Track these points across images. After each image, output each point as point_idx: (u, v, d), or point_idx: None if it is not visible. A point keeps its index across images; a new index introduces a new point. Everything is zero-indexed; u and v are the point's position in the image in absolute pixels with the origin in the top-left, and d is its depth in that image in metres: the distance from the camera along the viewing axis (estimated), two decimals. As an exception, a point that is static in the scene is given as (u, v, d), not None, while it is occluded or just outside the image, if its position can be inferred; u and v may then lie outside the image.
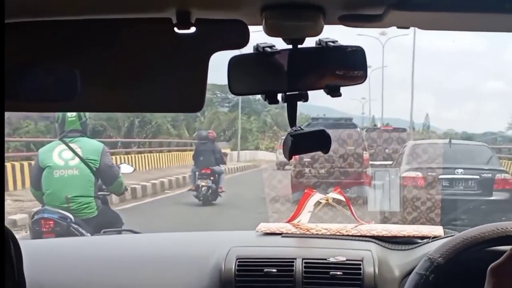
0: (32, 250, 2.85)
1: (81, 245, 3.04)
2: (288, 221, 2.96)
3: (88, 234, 6.28)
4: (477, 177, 12.24)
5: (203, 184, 17.65)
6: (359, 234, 2.73)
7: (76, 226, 6.36)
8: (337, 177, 16.39)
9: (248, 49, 1.51)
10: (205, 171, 17.76)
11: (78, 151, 6.55)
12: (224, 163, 19.01)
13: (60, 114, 6.79)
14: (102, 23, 1.51)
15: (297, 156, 18.53)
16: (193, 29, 1.49)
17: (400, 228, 2.79)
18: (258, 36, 1.53)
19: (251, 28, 1.52)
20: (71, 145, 6.57)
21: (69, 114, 6.60)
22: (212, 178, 17.67)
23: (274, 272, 2.48)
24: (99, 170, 6.57)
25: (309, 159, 16.77)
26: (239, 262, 2.52)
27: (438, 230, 2.72)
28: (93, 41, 1.53)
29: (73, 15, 1.51)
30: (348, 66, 1.52)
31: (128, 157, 23.97)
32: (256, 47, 1.49)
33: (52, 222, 6.33)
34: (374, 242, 2.66)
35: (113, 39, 1.53)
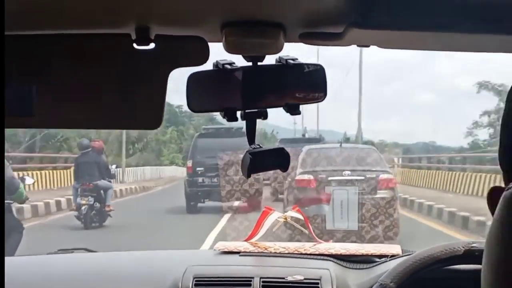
0: None
1: (35, 263, 2.99)
2: (246, 240, 2.95)
3: None
4: (363, 178, 13.08)
5: (83, 202, 15.18)
6: (317, 252, 2.73)
7: None
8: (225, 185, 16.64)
9: (208, 65, 1.50)
10: (86, 187, 15.42)
11: None
12: (112, 177, 16.92)
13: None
14: (62, 37, 1.49)
15: (190, 166, 18.84)
16: (152, 45, 1.48)
17: (358, 246, 2.79)
18: (217, 50, 1.52)
19: (211, 44, 1.51)
20: None
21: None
22: (95, 194, 15.35)
23: None
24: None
25: (202, 169, 17.90)
26: (196, 281, 2.50)
27: (396, 248, 2.73)
28: (52, 56, 1.51)
29: (32, 29, 1.48)
30: (307, 85, 1.52)
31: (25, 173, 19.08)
32: (216, 64, 1.48)
33: None
34: (332, 261, 2.66)
35: (72, 54, 1.51)
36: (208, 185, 18.08)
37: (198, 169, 18.20)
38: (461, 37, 1.43)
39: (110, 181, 16.35)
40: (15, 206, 8.67)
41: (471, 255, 2.17)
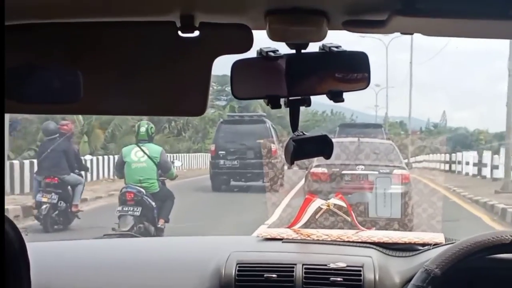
0: (33, 252, 2.85)
1: (82, 248, 3.04)
2: (289, 227, 2.96)
3: (153, 203, 10.20)
4: (376, 172, 13.13)
5: (45, 200, 12.54)
6: (359, 240, 2.73)
7: (145, 197, 10.19)
8: (247, 167, 18.83)
9: (252, 53, 1.51)
10: (49, 181, 12.73)
11: (146, 152, 10.43)
12: (84, 169, 14.31)
13: (136, 129, 10.82)
14: (107, 25, 1.51)
15: (213, 149, 19.97)
16: (196, 33, 1.49)
17: (401, 234, 2.78)
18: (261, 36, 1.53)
19: (255, 31, 1.52)
20: (143, 148, 10.45)
21: (141, 129, 10.54)
22: (60, 191, 12.69)
23: (274, 278, 2.47)
24: (159, 163, 10.44)
25: (223, 152, 19.30)
26: (239, 267, 2.51)
27: (439, 237, 2.72)
28: (97, 43, 1.53)
29: (78, 17, 1.51)
30: (351, 71, 1.52)
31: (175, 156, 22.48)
32: (260, 52, 1.49)
33: (132, 194, 10.12)
34: (375, 249, 2.66)
35: (117, 41, 1.53)
36: (228, 167, 19.58)
37: (220, 152, 19.62)
38: (507, 24, 1.42)
39: (81, 175, 13.64)
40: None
41: None
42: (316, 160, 13.56)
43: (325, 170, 13.16)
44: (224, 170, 19.66)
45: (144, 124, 10.80)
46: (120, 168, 10.61)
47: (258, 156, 18.45)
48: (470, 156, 30.32)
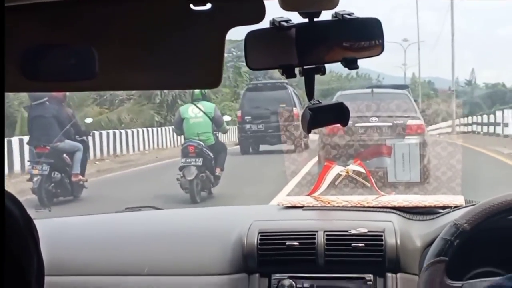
0: (55, 228, 2.88)
1: (105, 222, 3.07)
2: (309, 194, 2.97)
3: (211, 154, 11.58)
4: (390, 124, 13.08)
5: (35, 172, 11.50)
6: (380, 205, 2.74)
7: (205, 149, 11.47)
8: (268, 129, 20.05)
9: (265, 23, 1.51)
10: (40, 151, 11.65)
11: (202, 108, 11.78)
12: (85, 134, 13.00)
13: (192, 90, 12.02)
14: (119, 1, 1.52)
15: (240, 115, 21.02)
16: (208, 6, 1.49)
17: (421, 198, 2.79)
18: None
19: (267, 2, 1.52)
20: (198, 105, 11.82)
21: (196, 90, 11.66)
22: (52, 161, 11.59)
23: (296, 245, 2.49)
24: (213, 118, 11.85)
25: (249, 117, 20.49)
26: (261, 235, 2.53)
27: (459, 199, 2.72)
28: (110, 20, 1.54)
29: None
30: (365, 38, 1.52)
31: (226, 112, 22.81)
32: (272, 22, 1.49)
33: (193, 146, 11.38)
34: (395, 213, 2.67)
35: (129, 17, 1.54)
36: (254, 131, 20.71)
37: (246, 117, 20.79)
38: None
39: (82, 140, 12.51)
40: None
41: None
42: None
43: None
44: (250, 134, 20.88)
45: None
46: (179, 125, 12.00)
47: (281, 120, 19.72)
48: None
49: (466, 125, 33.33)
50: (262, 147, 20.74)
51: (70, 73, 1.55)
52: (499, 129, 27.86)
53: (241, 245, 2.54)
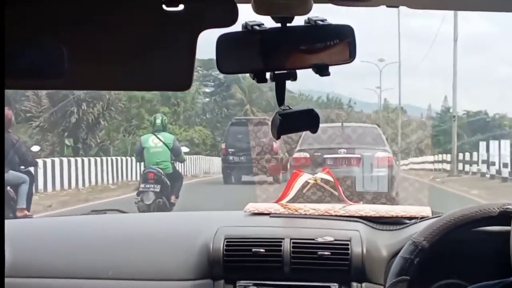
0: (18, 228, 2.84)
1: (70, 224, 3.04)
2: (277, 201, 2.96)
3: (168, 182, 12.36)
4: (358, 156, 13.37)
5: None
6: (347, 214, 2.74)
7: (163, 177, 12.23)
8: (249, 161, 22.14)
9: (237, 27, 1.50)
10: None
11: (162, 139, 12.61)
12: (31, 164, 11.94)
13: (153, 120, 13.30)
14: (91, 0, 1.50)
15: (224, 147, 23.24)
16: (181, 7, 1.48)
17: (388, 208, 2.80)
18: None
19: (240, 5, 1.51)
20: (159, 136, 12.67)
21: (157, 121, 12.92)
22: None
23: (262, 252, 2.48)
24: (172, 149, 12.69)
25: (233, 149, 22.56)
26: (227, 241, 2.52)
27: (426, 210, 2.73)
28: (80, 17, 1.52)
29: None
30: (336, 45, 1.52)
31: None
32: (245, 25, 1.48)
33: (153, 173, 12.19)
34: (362, 223, 2.67)
35: (100, 15, 1.52)
36: (237, 162, 22.76)
37: (230, 150, 22.82)
38: None
39: (28, 171, 11.48)
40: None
41: (506, 216, 2.16)
42: (298, 146, 13.79)
43: (307, 154, 13.52)
44: (232, 165, 22.85)
45: (159, 116, 13.31)
46: (140, 153, 12.90)
47: (261, 153, 22.09)
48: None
49: (448, 162, 30.62)
50: (244, 178, 22.38)
51: (38, 71, 1.52)
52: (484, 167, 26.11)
53: (207, 250, 2.52)
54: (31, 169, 11.78)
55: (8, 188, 10.68)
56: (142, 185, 12.36)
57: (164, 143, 12.70)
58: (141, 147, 12.87)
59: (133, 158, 20.33)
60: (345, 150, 13.54)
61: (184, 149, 14.47)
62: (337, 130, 14.38)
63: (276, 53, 1.50)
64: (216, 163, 32.72)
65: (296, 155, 13.73)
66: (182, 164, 15.60)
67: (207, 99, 42.06)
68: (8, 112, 10.83)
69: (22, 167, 11.12)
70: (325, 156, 13.46)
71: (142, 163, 13.25)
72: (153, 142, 12.76)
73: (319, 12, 1.51)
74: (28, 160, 11.69)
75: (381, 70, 51.02)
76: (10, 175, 10.53)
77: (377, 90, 53.18)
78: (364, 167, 13.06)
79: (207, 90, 42.75)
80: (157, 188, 12.19)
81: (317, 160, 13.38)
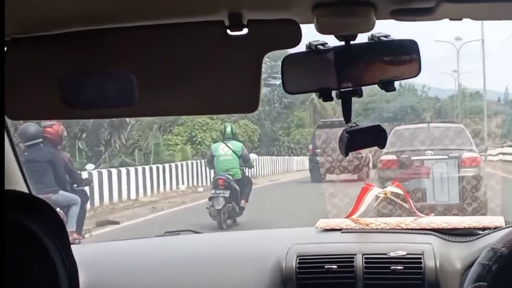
0: (94, 252, 2.90)
1: (144, 247, 3.08)
2: (347, 217, 2.96)
3: (238, 187, 12.95)
4: (446, 157, 13.09)
5: None
6: (418, 227, 2.71)
7: (232, 182, 12.81)
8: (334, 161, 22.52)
9: (301, 47, 1.52)
10: None
11: (231, 147, 13.28)
12: (84, 184, 10.71)
13: (223, 129, 14.04)
14: (158, 28, 1.54)
15: (311, 148, 24.74)
16: (245, 31, 1.50)
17: (460, 219, 2.76)
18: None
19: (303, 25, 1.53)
20: (228, 144, 13.31)
21: (227, 129, 13.63)
22: None
23: (335, 269, 2.48)
24: (241, 156, 13.26)
25: (319, 151, 23.55)
26: (299, 259, 2.52)
27: (499, 220, 2.69)
28: (148, 46, 1.56)
29: (128, 22, 1.53)
30: (401, 61, 1.52)
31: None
32: (309, 45, 1.50)
33: (223, 180, 12.76)
34: (434, 235, 2.64)
35: (167, 44, 1.56)
36: (322, 162, 23.36)
37: (316, 151, 24.08)
38: None
39: (81, 190, 10.27)
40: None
41: None
42: (386, 148, 13.64)
43: (394, 157, 13.28)
44: (319, 165, 23.69)
45: (229, 125, 14.06)
46: (211, 160, 13.53)
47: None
48: None
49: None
50: (329, 177, 23.05)
51: (109, 100, 1.57)
52: None
53: (280, 268, 2.53)
54: (86, 188, 10.77)
55: (58, 209, 8.61)
56: (212, 191, 13.05)
57: (233, 150, 13.33)
58: (212, 155, 13.55)
59: (188, 163, 22.18)
60: (432, 152, 13.33)
61: (253, 156, 15.53)
62: (423, 131, 14.13)
63: (341, 71, 1.51)
64: (281, 162, 33.19)
65: (383, 157, 13.47)
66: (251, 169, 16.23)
67: (267, 89, 39.84)
68: (59, 128, 9.89)
69: (75, 185, 10.05)
70: (413, 158, 13.24)
71: (212, 170, 14.01)
72: (223, 150, 13.41)
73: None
74: (81, 178, 10.68)
75: (458, 50, 44.55)
76: (60, 196, 9.59)
77: (454, 74, 47.29)
78: (450, 168, 12.88)
79: (276, 82, 39.96)
80: (227, 193, 12.75)
81: (405, 162, 13.22)
